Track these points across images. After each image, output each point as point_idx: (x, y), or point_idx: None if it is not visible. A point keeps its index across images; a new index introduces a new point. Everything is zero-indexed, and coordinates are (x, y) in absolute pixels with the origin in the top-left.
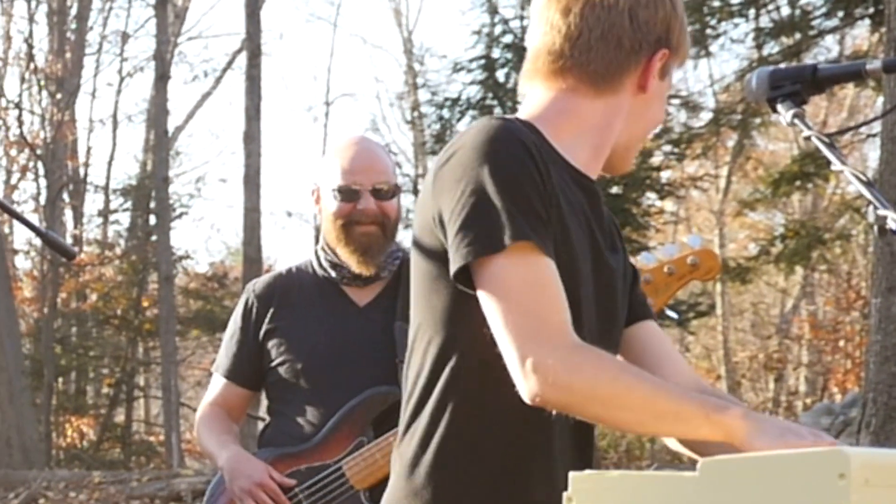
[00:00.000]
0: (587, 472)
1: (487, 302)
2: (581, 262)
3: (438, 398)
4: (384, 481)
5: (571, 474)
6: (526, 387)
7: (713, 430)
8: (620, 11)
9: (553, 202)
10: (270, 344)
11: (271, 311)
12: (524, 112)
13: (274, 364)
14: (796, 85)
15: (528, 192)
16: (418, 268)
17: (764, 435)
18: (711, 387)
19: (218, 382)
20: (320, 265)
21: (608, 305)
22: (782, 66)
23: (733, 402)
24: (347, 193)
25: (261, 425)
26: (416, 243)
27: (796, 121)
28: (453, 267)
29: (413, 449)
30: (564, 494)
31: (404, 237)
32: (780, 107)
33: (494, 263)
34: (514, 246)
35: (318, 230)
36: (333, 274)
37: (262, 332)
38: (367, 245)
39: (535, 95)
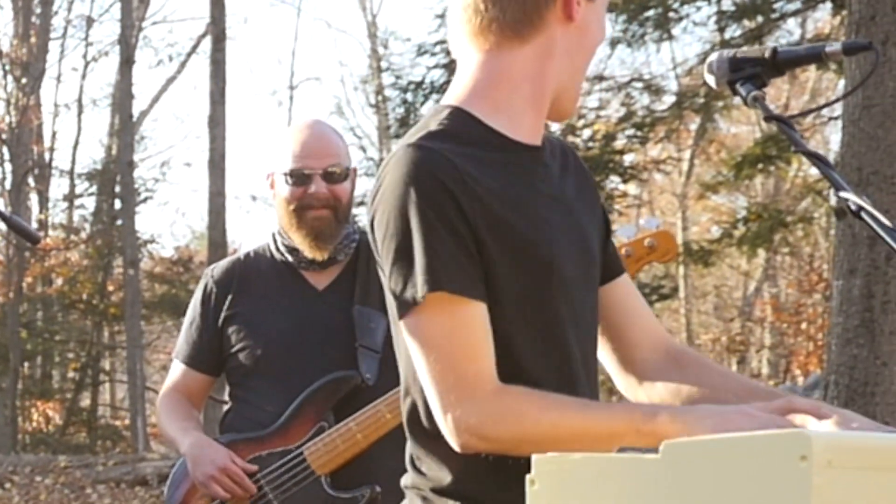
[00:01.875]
0: (549, 454)
1: (412, 351)
2: (547, 245)
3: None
4: (345, 466)
5: (534, 457)
6: (453, 441)
7: (648, 440)
8: None
9: (482, 221)
10: (230, 330)
11: (230, 296)
12: (457, 87)
13: (234, 350)
14: (756, 68)
15: (444, 235)
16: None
17: (698, 433)
18: (678, 343)
19: (178, 368)
20: (277, 249)
21: (586, 267)
22: (743, 48)
23: (690, 355)
24: (299, 177)
25: (224, 409)
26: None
27: (756, 103)
28: (395, 312)
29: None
30: (527, 476)
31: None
32: (740, 89)
33: (413, 316)
34: (429, 298)
35: None
36: (290, 258)
37: (221, 318)
38: (319, 229)
39: (465, 63)
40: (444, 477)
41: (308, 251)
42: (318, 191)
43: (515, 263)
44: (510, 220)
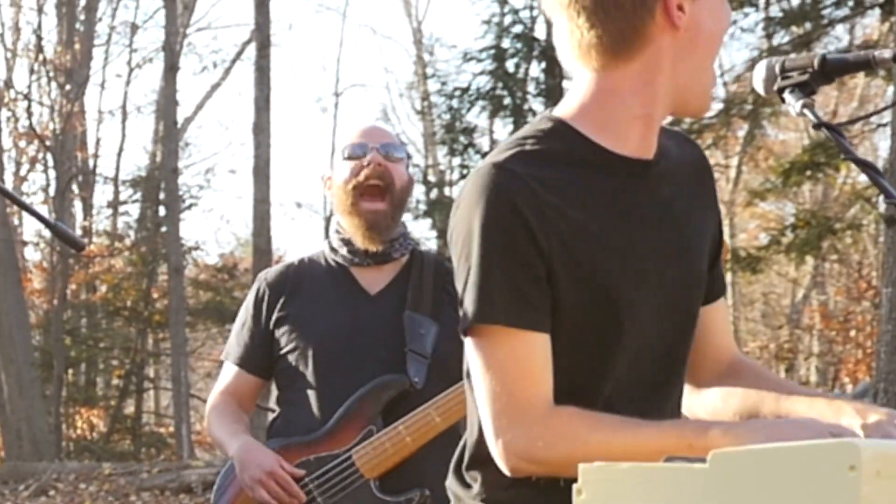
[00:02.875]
0: (596, 463)
1: (469, 367)
2: (622, 281)
3: None
4: (394, 470)
5: (581, 466)
6: (503, 466)
7: (702, 456)
8: None
9: (558, 248)
10: (281, 331)
11: (283, 299)
12: (567, 102)
13: (284, 351)
14: (805, 75)
15: (509, 264)
16: None
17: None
18: (742, 354)
19: (229, 371)
20: (332, 249)
21: (681, 289)
22: (792, 55)
23: (755, 367)
24: (356, 150)
25: (270, 416)
26: None
27: (805, 111)
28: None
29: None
30: (574, 486)
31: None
32: (788, 97)
33: (471, 340)
34: (482, 329)
35: (327, 221)
36: (345, 251)
37: (273, 320)
38: (374, 220)
39: (576, 79)
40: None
41: (361, 240)
42: (373, 159)
43: (583, 299)
44: (587, 254)
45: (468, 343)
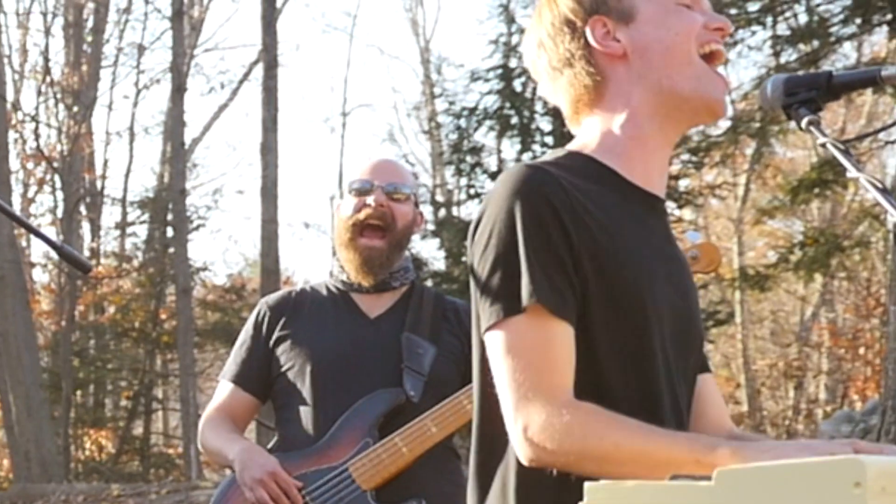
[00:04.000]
0: (602, 482)
1: (492, 360)
2: (649, 290)
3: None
4: (390, 481)
5: (586, 484)
6: (521, 453)
7: (706, 472)
8: (536, 42)
9: (587, 249)
10: (280, 350)
11: (283, 320)
12: (576, 143)
13: (283, 369)
14: (811, 92)
15: (545, 253)
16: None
17: None
18: (738, 430)
19: (224, 388)
20: (332, 275)
21: (686, 325)
22: (798, 73)
23: (751, 437)
24: (362, 189)
25: (274, 436)
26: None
27: (811, 128)
28: (483, 328)
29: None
30: None
31: (425, 247)
32: (795, 114)
33: (503, 326)
34: (529, 309)
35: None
36: (345, 277)
37: (272, 340)
38: (368, 257)
39: (580, 132)
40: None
41: (354, 275)
42: (377, 199)
43: (611, 297)
44: (614, 253)
45: (495, 334)
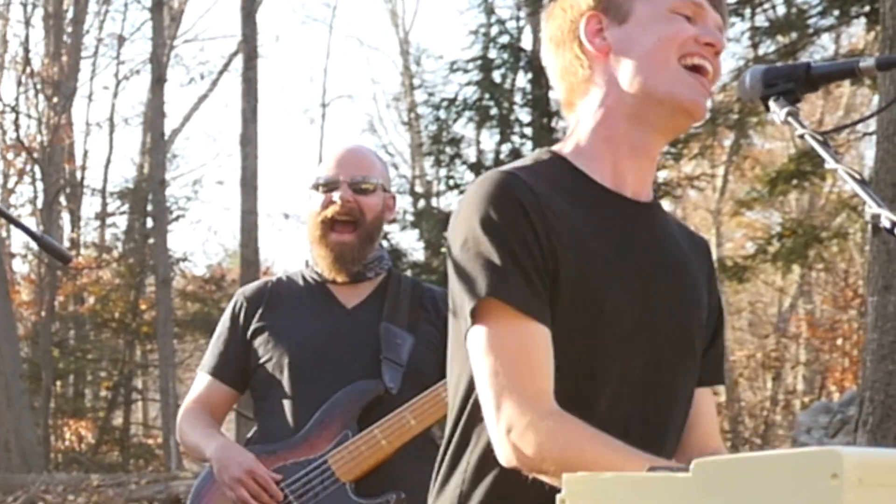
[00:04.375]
0: (580, 473)
1: (474, 358)
2: (613, 299)
3: (463, 428)
4: (369, 473)
5: (565, 476)
6: (501, 454)
7: None
8: (552, 12)
9: (557, 253)
10: (258, 342)
11: (259, 311)
12: (562, 143)
13: (261, 361)
14: (790, 83)
15: (518, 255)
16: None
17: None
18: (724, 450)
19: (202, 380)
20: (308, 266)
21: (670, 335)
22: (777, 64)
23: None
24: (327, 185)
25: (253, 426)
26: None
27: (790, 119)
28: (463, 329)
29: (443, 472)
30: (557, 496)
31: (404, 238)
32: (773, 105)
33: (480, 325)
34: (495, 305)
35: None
36: (320, 271)
37: (249, 332)
38: (340, 252)
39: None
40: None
41: (327, 271)
42: (343, 196)
43: (572, 303)
44: (575, 259)
45: (474, 333)
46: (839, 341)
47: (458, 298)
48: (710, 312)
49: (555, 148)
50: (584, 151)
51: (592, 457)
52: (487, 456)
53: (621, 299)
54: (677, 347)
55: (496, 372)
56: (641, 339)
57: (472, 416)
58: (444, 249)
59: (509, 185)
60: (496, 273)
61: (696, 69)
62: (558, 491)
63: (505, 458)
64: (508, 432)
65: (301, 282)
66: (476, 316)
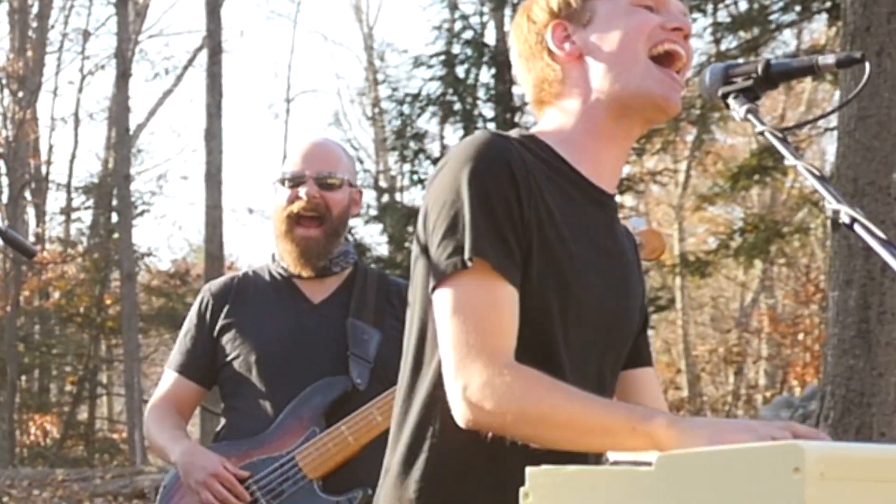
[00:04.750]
0: (543, 467)
1: (438, 318)
2: (579, 276)
3: (420, 406)
4: (337, 470)
5: (528, 469)
6: (459, 413)
7: (641, 441)
8: (512, 31)
9: (535, 222)
10: (225, 339)
11: (226, 308)
12: (536, 128)
13: (228, 358)
14: (749, 80)
15: (499, 216)
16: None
17: (692, 441)
18: None
19: (169, 377)
20: (275, 261)
21: (615, 321)
22: (737, 61)
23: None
24: (293, 180)
25: (221, 420)
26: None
27: (749, 116)
28: (431, 284)
29: (400, 454)
30: (521, 489)
31: (368, 232)
32: (733, 103)
33: (451, 283)
34: (472, 265)
35: None
36: (285, 266)
37: (216, 328)
38: (306, 247)
39: (540, 122)
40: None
41: (293, 265)
42: (309, 192)
43: (541, 275)
44: (552, 235)
45: (443, 291)
46: (800, 336)
47: (436, 256)
48: (643, 302)
49: (533, 131)
50: (566, 139)
51: (550, 403)
52: (450, 430)
53: (584, 285)
54: (622, 333)
55: (458, 332)
56: (597, 324)
57: (429, 392)
58: (408, 244)
59: (500, 146)
60: (477, 232)
61: (669, 56)
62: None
63: (462, 417)
64: (465, 390)
65: (267, 277)
66: (448, 276)
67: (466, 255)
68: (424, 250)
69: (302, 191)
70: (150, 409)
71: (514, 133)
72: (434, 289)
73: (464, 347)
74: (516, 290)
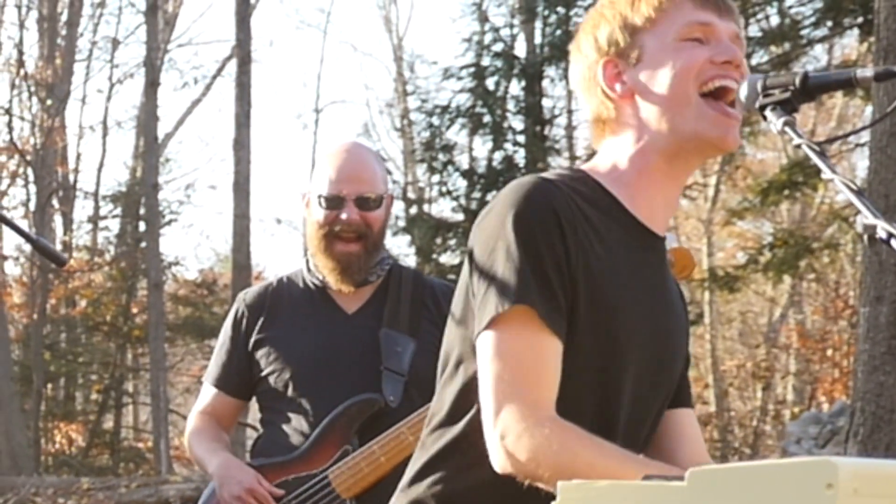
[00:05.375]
0: (575, 481)
1: (480, 361)
2: (627, 324)
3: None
4: (370, 489)
5: (560, 483)
6: (495, 458)
7: None
8: (574, 56)
9: (583, 271)
10: (260, 353)
11: (261, 320)
12: (590, 163)
13: (264, 374)
14: (786, 93)
15: (545, 262)
16: (455, 303)
17: None
18: None
19: (208, 392)
20: (309, 271)
21: (662, 368)
22: (773, 73)
23: None
24: (332, 202)
25: (250, 432)
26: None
27: (787, 129)
28: (477, 327)
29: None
30: None
31: (395, 243)
32: (770, 115)
33: (495, 329)
34: (516, 311)
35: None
36: (321, 278)
37: (251, 342)
38: (347, 263)
39: (599, 151)
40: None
41: (333, 282)
42: (350, 217)
43: (591, 322)
44: (602, 280)
45: (487, 335)
46: (829, 352)
47: (481, 300)
48: (687, 345)
49: (586, 167)
50: (619, 177)
51: (586, 461)
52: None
53: (634, 328)
54: (668, 379)
55: (501, 378)
56: (644, 371)
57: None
58: (435, 255)
59: (547, 192)
60: (524, 279)
61: (721, 92)
62: (553, 498)
63: (499, 464)
64: (503, 438)
65: (301, 285)
66: (496, 320)
67: (512, 301)
68: (469, 293)
69: (343, 214)
70: (191, 422)
71: (565, 171)
72: (478, 334)
73: (504, 395)
74: (561, 342)
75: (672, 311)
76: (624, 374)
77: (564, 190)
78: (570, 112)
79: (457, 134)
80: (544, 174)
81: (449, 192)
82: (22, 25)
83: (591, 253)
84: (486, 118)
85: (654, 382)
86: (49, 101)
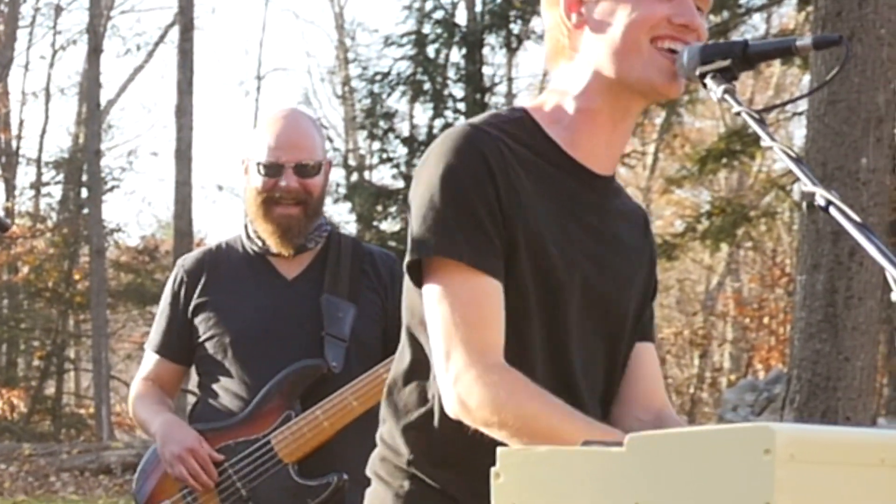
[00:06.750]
0: (514, 447)
1: (427, 308)
2: (563, 267)
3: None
4: (312, 454)
5: (499, 450)
6: (447, 402)
7: None
8: None
9: (516, 214)
10: (199, 319)
11: (200, 286)
12: (536, 100)
13: (203, 339)
14: (727, 60)
15: (477, 208)
16: None
17: None
18: (671, 411)
19: (150, 358)
20: (248, 237)
21: (609, 305)
22: (713, 41)
23: (675, 422)
24: (270, 169)
25: (191, 399)
26: None
27: (727, 97)
28: (407, 258)
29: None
30: (492, 469)
31: (336, 211)
32: (710, 83)
33: (441, 271)
34: (446, 261)
35: None
36: (261, 244)
37: (191, 308)
38: (287, 226)
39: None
40: (405, 452)
41: (274, 245)
42: (288, 184)
43: (530, 266)
44: (536, 223)
45: (431, 275)
46: (766, 320)
47: (412, 243)
48: (648, 279)
49: (529, 106)
50: (560, 119)
51: (532, 414)
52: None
53: (571, 269)
54: (618, 316)
55: (447, 323)
56: (591, 309)
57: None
58: (375, 223)
59: (476, 139)
60: (447, 229)
61: (668, 54)
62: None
63: (451, 408)
64: (455, 383)
65: (241, 250)
66: (428, 270)
67: (441, 252)
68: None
69: (282, 182)
70: (134, 388)
71: (505, 113)
72: (410, 265)
73: (453, 339)
74: (498, 281)
75: (618, 247)
76: (567, 313)
77: (494, 134)
78: (510, 80)
79: (397, 101)
80: (477, 120)
81: (389, 160)
82: None
83: (524, 194)
84: (427, 86)
85: (601, 318)
86: None
